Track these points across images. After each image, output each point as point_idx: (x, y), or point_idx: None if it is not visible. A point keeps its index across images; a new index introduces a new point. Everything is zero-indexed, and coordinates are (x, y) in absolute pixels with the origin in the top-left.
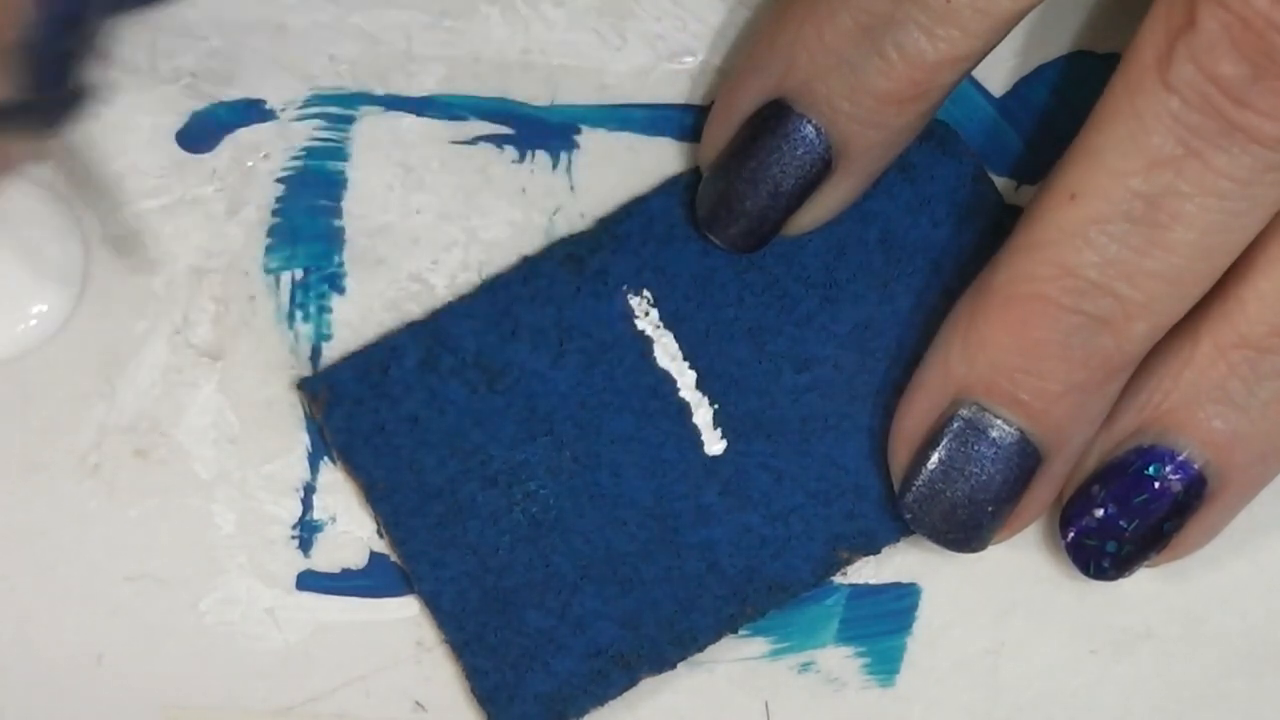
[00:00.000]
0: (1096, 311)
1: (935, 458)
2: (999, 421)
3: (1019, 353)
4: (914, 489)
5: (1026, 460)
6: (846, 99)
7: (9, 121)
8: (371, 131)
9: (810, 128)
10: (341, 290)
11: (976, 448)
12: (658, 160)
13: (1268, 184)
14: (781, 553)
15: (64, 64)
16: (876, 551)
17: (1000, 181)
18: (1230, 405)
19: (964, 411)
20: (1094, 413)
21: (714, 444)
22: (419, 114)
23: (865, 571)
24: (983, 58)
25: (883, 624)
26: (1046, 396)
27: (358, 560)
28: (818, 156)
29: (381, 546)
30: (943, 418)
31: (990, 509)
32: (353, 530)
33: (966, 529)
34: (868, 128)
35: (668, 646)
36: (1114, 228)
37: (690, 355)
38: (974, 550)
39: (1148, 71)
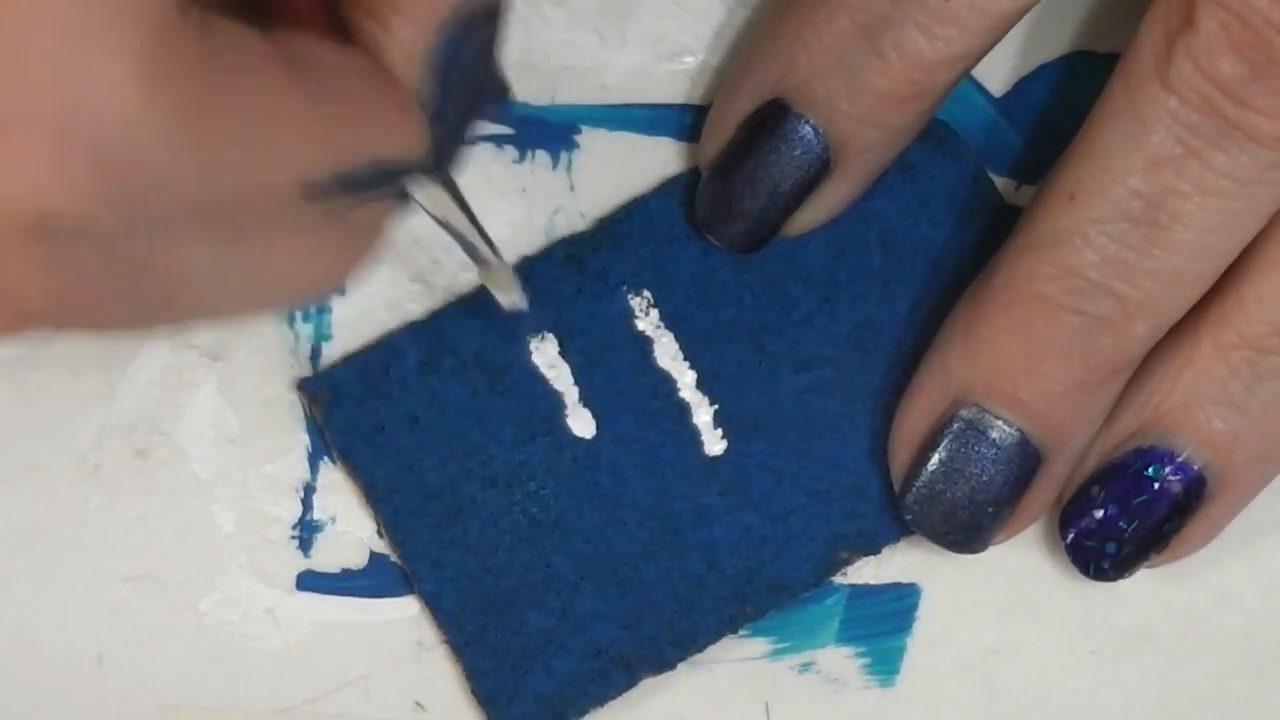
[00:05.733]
0: (1097, 311)
1: (936, 459)
2: (999, 422)
3: (1019, 353)
4: (914, 490)
5: (1027, 461)
6: (845, 99)
7: (419, 171)
8: None
9: (808, 128)
10: (341, 290)
11: (977, 448)
12: (658, 160)
13: (1267, 183)
14: (781, 553)
15: (473, 105)
16: (876, 551)
17: (1000, 181)
18: (1230, 406)
19: (964, 412)
20: (1094, 413)
21: (714, 444)
22: None
23: (865, 571)
24: (981, 57)
25: (883, 624)
26: (1047, 397)
27: (358, 560)
28: (816, 156)
29: (381, 546)
30: (943, 418)
31: (991, 510)
32: (353, 530)
33: (967, 530)
34: (866, 127)
35: (668, 647)
36: (1114, 227)
37: (690, 355)
38: (975, 551)
39: (1147, 71)
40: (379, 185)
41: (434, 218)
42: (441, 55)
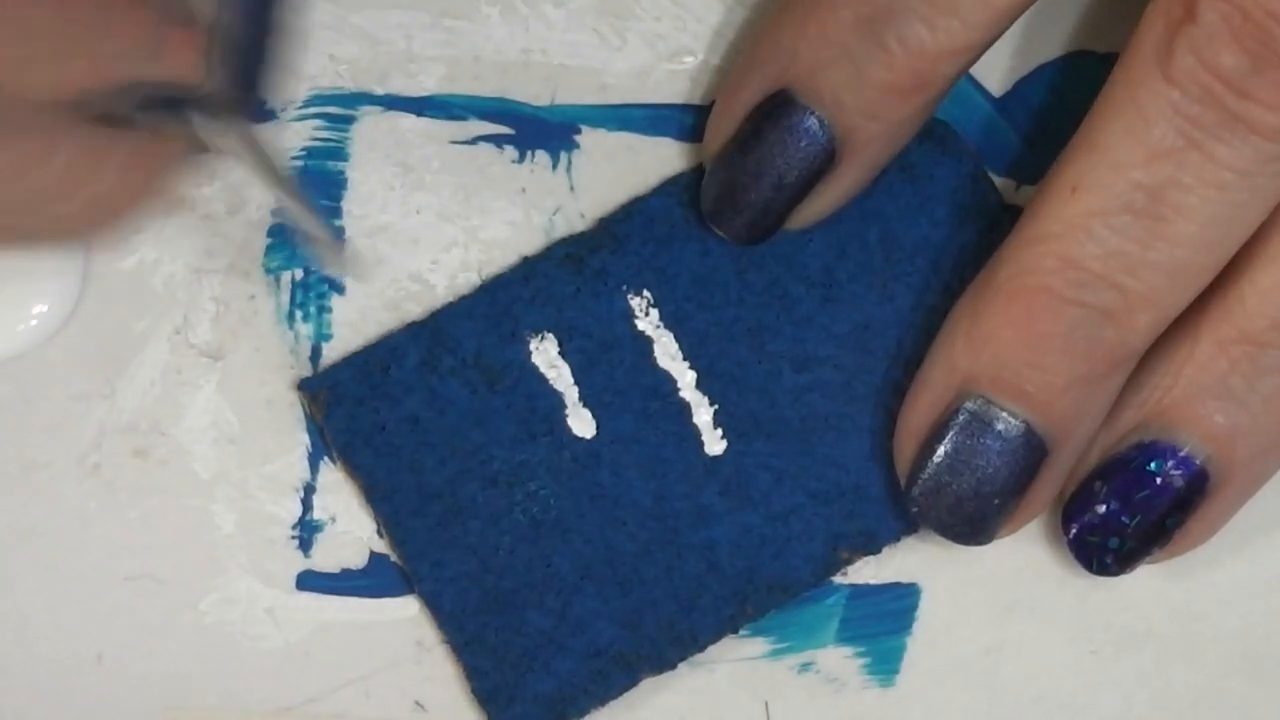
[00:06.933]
0: (1099, 304)
1: (941, 451)
2: (1004, 414)
3: (1023, 345)
4: (920, 482)
5: (1032, 452)
6: (849, 91)
7: (208, 110)
8: (371, 131)
9: (813, 119)
10: (341, 290)
11: (982, 440)
12: (658, 160)
13: (1269, 175)
14: (781, 553)
15: (262, 46)
16: (876, 551)
17: (1000, 181)
18: (1231, 400)
19: (969, 405)
20: (1098, 405)
21: (714, 444)
22: (419, 114)
23: (865, 571)
24: (984, 50)
25: (883, 624)
26: (1051, 389)
27: (358, 560)
28: (821, 148)
29: (381, 546)
30: (948, 411)
31: (996, 501)
32: (353, 530)
33: (973, 522)
34: (870, 119)
35: (668, 646)
36: (1116, 220)
37: (690, 355)
38: (980, 543)
39: (1148, 64)
40: (158, 111)
41: (251, 169)
42: None
